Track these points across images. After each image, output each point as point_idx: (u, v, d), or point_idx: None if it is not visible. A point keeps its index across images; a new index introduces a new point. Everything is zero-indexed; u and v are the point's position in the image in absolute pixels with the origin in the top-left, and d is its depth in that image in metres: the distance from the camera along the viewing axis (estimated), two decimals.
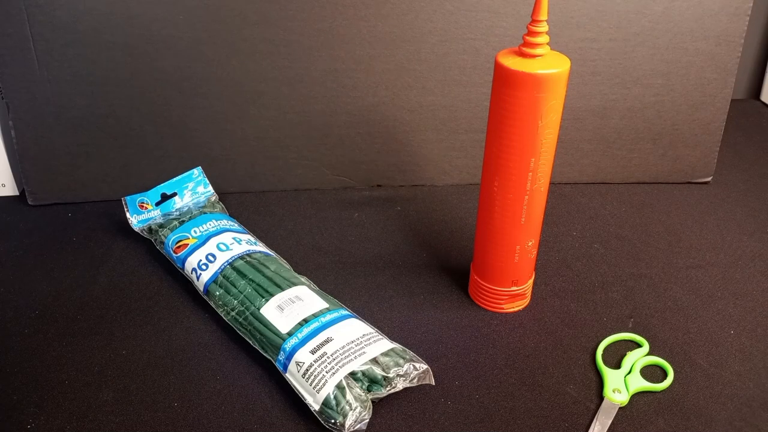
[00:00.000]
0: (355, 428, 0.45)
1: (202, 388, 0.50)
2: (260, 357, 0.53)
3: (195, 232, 0.62)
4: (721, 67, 0.73)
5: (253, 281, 0.55)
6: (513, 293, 0.58)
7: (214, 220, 0.64)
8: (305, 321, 0.51)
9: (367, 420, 0.45)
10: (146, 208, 0.67)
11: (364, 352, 0.48)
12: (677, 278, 0.63)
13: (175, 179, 0.69)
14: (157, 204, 0.68)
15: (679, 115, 0.76)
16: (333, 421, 0.45)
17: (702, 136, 0.77)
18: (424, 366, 0.49)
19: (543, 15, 0.46)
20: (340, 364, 0.47)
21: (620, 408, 0.49)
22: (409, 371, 0.48)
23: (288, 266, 0.60)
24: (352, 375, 0.47)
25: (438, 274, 0.63)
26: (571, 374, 0.52)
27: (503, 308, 0.58)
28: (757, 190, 0.78)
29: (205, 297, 0.58)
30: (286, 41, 0.69)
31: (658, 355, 0.54)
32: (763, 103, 1.02)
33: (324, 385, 0.46)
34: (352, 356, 0.48)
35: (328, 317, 0.51)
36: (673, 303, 0.60)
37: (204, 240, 0.61)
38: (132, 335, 0.55)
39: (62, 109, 0.70)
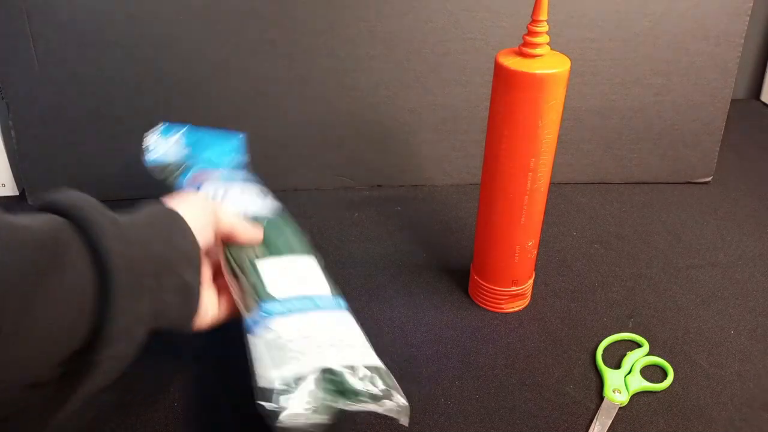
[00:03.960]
0: (294, 421, 0.38)
1: (202, 388, 0.50)
2: None
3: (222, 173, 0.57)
4: (721, 67, 0.73)
5: (268, 235, 0.50)
6: (513, 293, 0.58)
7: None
8: (301, 295, 0.45)
9: (311, 422, 0.39)
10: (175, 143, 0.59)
11: (349, 355, 0.42)
12: (677, 278, 0.63)
13: (216, 134, 0.62)
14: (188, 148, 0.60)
15: (679, 115, 0.76)
16: (276, 404, 0.38)
17: (702, 136, 0.77)
18: (403, 402, 0.42)
19: (543, 15, 0.46)
20: (320, 353, 0.41)
21: (620, 408, 0.49)
22: (385, 398, 0.41)
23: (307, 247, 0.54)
24: (325, 373, 0.41)
25: (438, 274, 0.63)
26: (571, 374, 0.52)
27: (503, 308, 0.58)
28: (757, 190, 0.78)
29: None
30: (286, 41, 0.69)
31: (658, 355, 0.54)
32: (763, 103, 1.02)
33: (292, 361, 0.40)
34: (335, 352, 0.42)
35: (326, 303, 0.46)
36: (673, 303, 0.60)
37: (230, 179, 0.56)
38: None
39: (62, 109, 0.70)
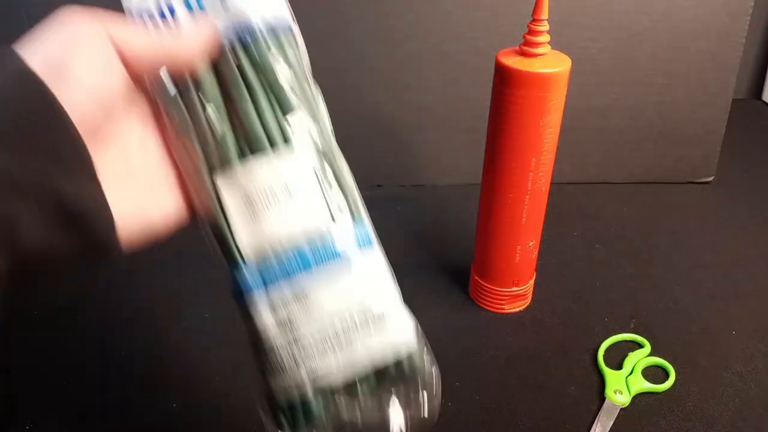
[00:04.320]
0: None
1: (202, 388, 0.50)
2: None
3: None
4: (722, 66, 0.73)
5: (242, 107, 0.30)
6: (514, 293, 0.57)
7: None
8: (286, 247, 0.29)
9: None
10: None
11: (358, 348, 0.31)
12: (679, 278, 0.63)
13: None
14: None
15: (680, 114, 0.75)
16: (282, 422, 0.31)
17: (703, 135, 0.77)
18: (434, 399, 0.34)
19: (544, 14, 0.46)
20: (307, 360, 0.30)
21: (622, 409, 0.49)
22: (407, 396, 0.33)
23: (309, 81, 0.34)
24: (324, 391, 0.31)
25: (438, 274, 0.63)
26: (573, 375, 0.52)
27: (504, 309, 0.58)
28: (758, 189, 0.78)
29: None
30: None
31: (660, 356, 0.53)
32: (765, 103, 1.01)
33: (280, 373, 0.30)
34: (330, 357, 0.30)
35: (324, 251, 0.30)
36: (675, 303, 0.60)
37: None
38: (132, 335, 0.55)
39: None
